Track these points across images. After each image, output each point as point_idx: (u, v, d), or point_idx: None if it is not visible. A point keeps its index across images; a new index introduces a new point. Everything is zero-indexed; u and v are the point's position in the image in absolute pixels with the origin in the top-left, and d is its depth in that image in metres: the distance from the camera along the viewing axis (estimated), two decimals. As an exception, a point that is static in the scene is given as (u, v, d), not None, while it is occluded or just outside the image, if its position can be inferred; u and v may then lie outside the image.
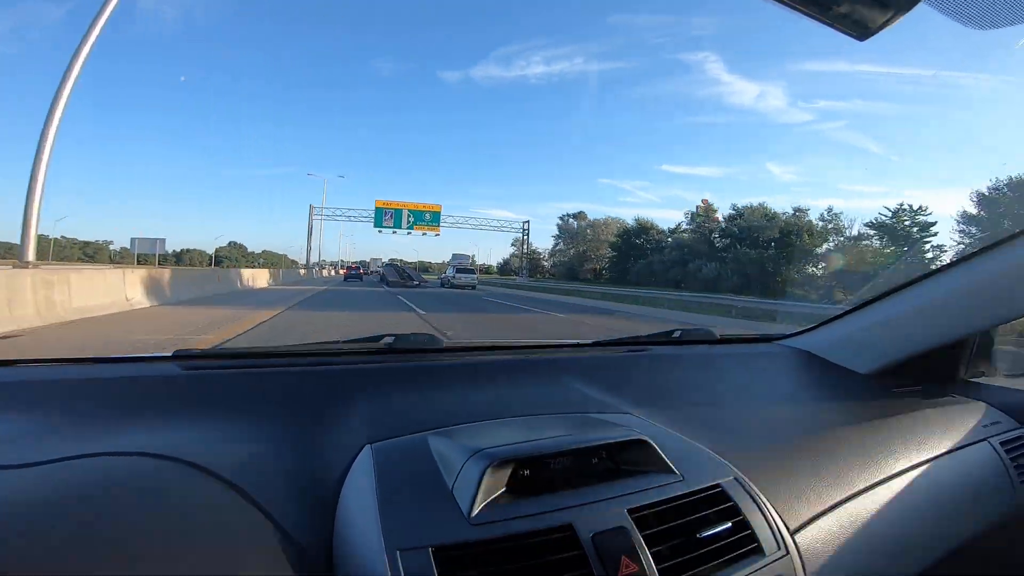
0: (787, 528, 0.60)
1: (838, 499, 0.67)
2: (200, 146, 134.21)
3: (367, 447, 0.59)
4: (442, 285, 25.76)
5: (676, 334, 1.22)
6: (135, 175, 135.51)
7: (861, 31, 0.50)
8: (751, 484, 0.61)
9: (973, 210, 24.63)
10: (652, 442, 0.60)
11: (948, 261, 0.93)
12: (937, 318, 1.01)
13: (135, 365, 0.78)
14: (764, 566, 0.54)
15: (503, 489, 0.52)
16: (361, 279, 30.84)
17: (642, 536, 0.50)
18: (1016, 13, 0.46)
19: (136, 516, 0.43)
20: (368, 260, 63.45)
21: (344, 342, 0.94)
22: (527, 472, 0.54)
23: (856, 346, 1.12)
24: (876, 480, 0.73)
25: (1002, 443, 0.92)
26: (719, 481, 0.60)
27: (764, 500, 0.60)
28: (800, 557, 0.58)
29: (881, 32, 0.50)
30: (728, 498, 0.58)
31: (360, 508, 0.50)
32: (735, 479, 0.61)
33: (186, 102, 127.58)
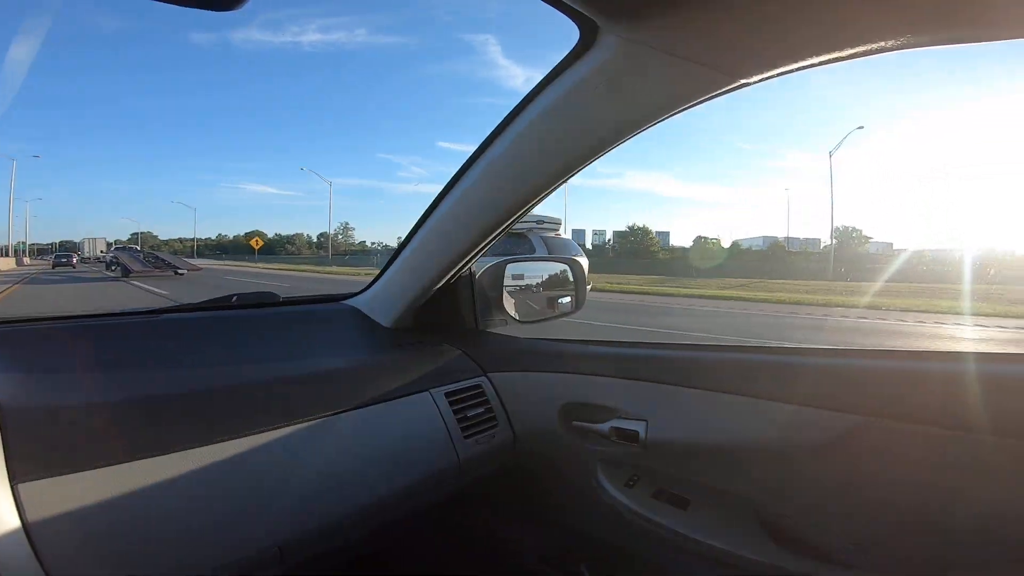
0: None
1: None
2: None
3: None
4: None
5: (234, 299, 1.14)
6: None
7: None
8: None
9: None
10: None
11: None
12: (415, 271, 1.04)
13: None
14: None
15: None
16: (73, 267, 23.24)
17: None
18: None
19: None
20: (80, 241, 41.47)
21: None
22: None
23: (381, 301, 1.13)
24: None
25: (447, 393, 0.94)
26: None
27: None
28: None
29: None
30: None
31: None
32: None
33: None
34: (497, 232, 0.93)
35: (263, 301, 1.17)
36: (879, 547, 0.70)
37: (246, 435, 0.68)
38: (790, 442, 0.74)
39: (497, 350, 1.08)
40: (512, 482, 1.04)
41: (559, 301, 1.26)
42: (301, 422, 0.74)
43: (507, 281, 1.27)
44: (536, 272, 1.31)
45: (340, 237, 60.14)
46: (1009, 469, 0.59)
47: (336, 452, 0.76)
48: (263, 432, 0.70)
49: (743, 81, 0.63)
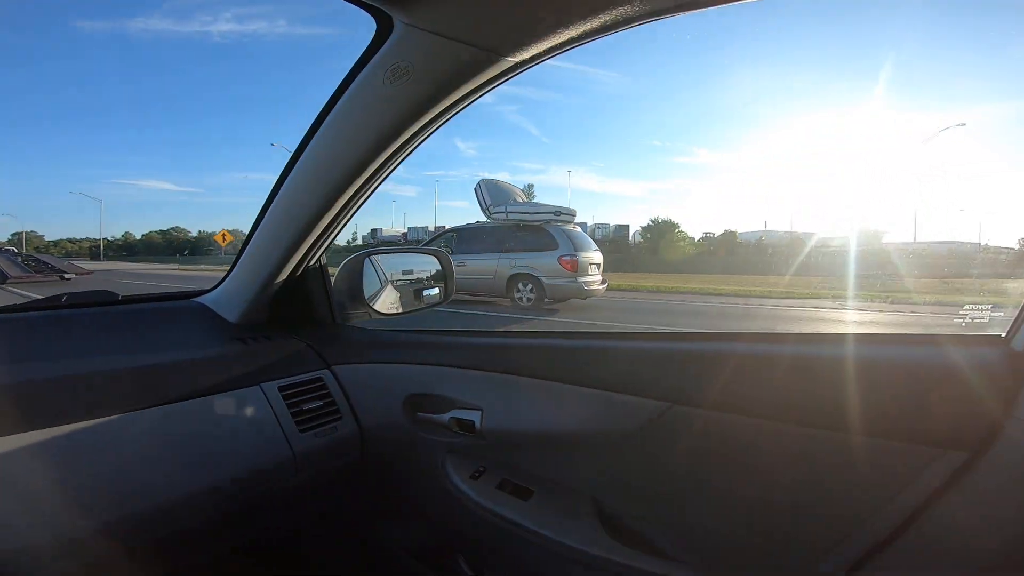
0: None
1: None
2: None
3: None
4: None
5: (63, 298, 1.05)
6: None
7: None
8: None
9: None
10: None
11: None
12: (256, 265, 1.00)
13: None
14: None
15: None
16: None
17: None
18: None
19: None
20: None
21: None
22: None
23: (228, 297, 1.08)
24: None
25: (281, 387, 0.92)
26: None
27: None
28: None
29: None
30: None
31: None
32: None
33: None
34: (328, 223, 0.91)
35: (97, 300, 1.08)
36: (697, 538, 0.72)
37: (41, 428, 0.66)
38: (614, 429, 0.76)
39: (346, 343, 1.06)
40: (367, 476, 1.03)
41: (425, 293, 1.25)
42: (106, 416, 0.71)
43: (388, 274, 1.25)
44: (404, 265, 1.30)
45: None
46: (813, 452, 0.63)
47: (143, 447, 0.74)
48: (60, 426, 0.67)
49: (512, 60, 0.65)
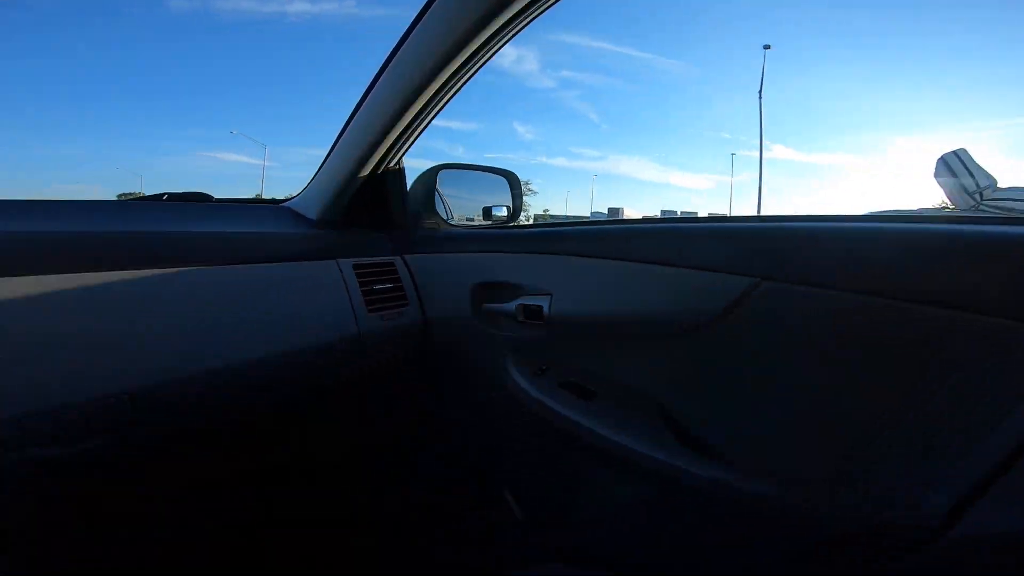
0: None
1: None
2: None
3: None
4: None
5: (165, 197, 1.12)
6: None
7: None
8: None
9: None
10: None
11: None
12: (338, 167, 1.03)
13: None
14: None
15: None
16: None
17: None
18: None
19: None
20: None
21: None
22: None
23: (311, 199, 1.13)
24: None
25: (356, 265, 0.97)
26: None
27: None
28: None
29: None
30: None
31: None
32: None
33: None
34: (407, 125, 0.93)
35: (194, 197, 1.16)
36: (774, 448, 0.58)
37: (111, 270, 0.67)
38: (690, 311, 0.65)
39: (417, 237, 1.11)
40: (421, 371, 1.07)
41: (495, 212, 1.30)
42: (183, 266, 0.75)
43: (446, 189, 1.30)
44: (474, 181, 1.34)
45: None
46: (945, 344, 0.45)
47: (218, 303, 0.76)
48: (133, 270, 0.69)
49: None
